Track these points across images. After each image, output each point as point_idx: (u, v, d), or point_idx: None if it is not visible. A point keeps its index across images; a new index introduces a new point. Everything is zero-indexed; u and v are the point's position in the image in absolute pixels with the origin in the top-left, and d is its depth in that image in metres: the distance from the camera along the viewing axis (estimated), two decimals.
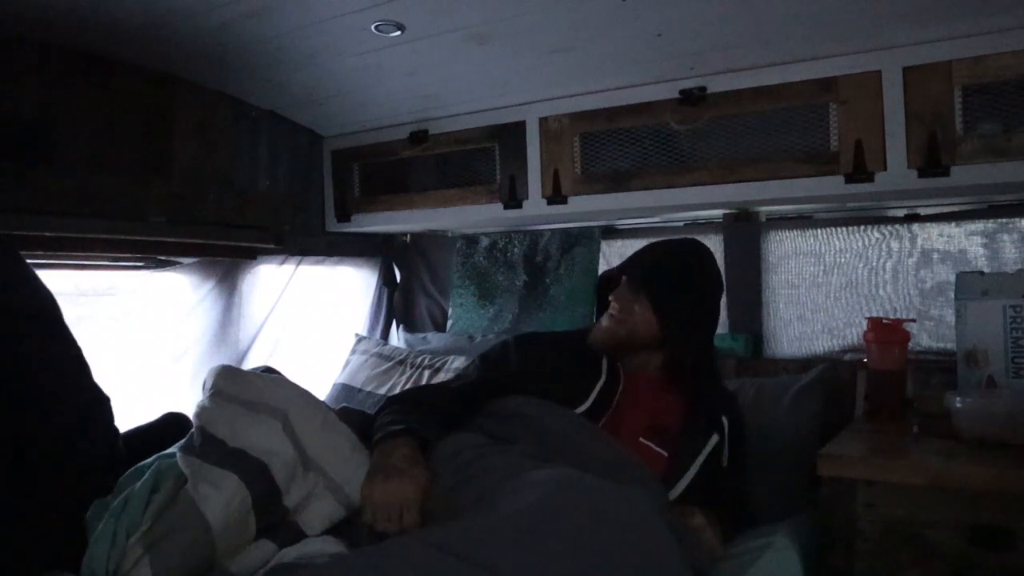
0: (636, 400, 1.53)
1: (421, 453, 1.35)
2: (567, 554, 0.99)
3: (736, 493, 1.55)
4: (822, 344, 2.08)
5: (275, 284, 2.47)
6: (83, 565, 1.10)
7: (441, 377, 2.26)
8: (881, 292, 2.00)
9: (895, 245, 1.99)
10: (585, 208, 2.10)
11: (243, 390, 1.36)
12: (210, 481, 1.20)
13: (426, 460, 1.34)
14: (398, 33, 1.75)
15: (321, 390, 2.49)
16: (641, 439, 1.48)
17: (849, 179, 1.72)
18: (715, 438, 1.50)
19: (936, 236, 1.94)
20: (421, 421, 1.40)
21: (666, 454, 1.47)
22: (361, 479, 1.29)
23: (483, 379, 1.60)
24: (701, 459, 1.47)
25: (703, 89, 1.88)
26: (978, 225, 1.88)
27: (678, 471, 1.44)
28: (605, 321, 1.60)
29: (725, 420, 1.54)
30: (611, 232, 2.43)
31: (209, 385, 1.39)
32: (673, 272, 1.58)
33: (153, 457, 1.28)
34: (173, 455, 1.27)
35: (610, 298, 1.60)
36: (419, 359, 2.43)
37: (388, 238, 2.83)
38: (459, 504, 1.20)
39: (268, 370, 1.55)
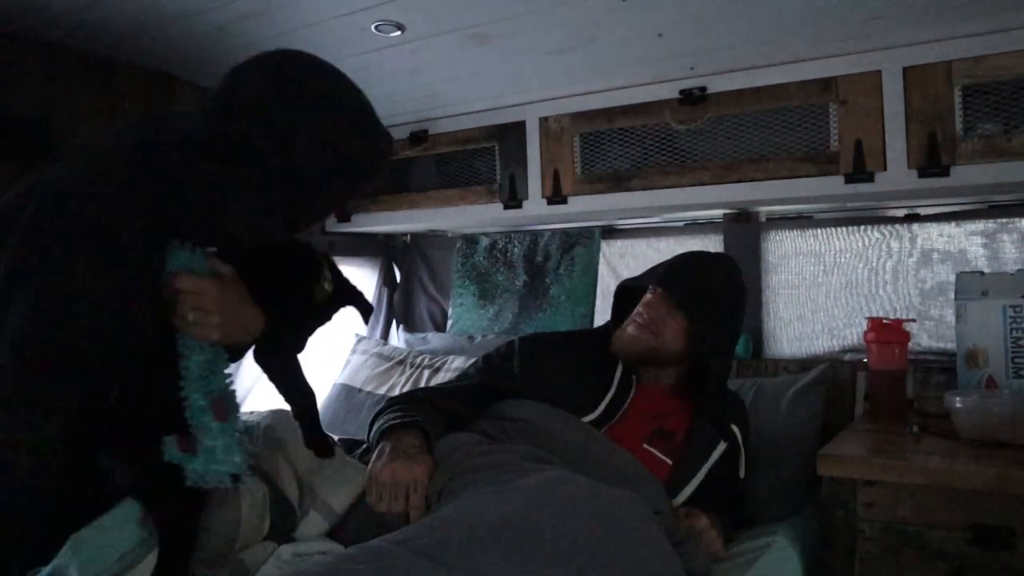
0: (643, 409, 1.52)
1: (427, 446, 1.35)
2: (552, 561, 0.98)
3: (738, 495, 1.54)
4: (822, 344, 2.08)
5: None
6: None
7: (441, 377, 2.26)
8: (881, 292, 2.00)
9: (895, 245, 1.99)
10: (585, 208, 2.10)
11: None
12: None
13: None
14: (398, 33, 1.75)
15: (321, 390, 2.49)
16: (645, 445, 1.47)
17: (849, 179, 1.72)
18: (722, 446, 1.49)
19: (936, 236, 1.94)
20: (424, 418, 1.39)
21: (670, 461, 1.46)
22: (345, 492, 1.31)
23: (484, 382, 1.59)
24: (707, 467, 1.46)
25: (703, 89, 1.88)
26: (978, 225, 1.88)
27: (683, 478, 1.44)
28: (632, 329, 1.54)
29: (737, 430, 1.53)
30: (611, 232, 2.43)
31: None
32: (713, 295, 1.52)
33: None
34: None
35: (640, 308, 1.55)
36: (419, 359, 2.43)
37: (388, 238, 2.83)
38: (449, 501, 1.20)
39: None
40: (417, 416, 1.38)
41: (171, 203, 0.97)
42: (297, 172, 1.01)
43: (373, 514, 1.26)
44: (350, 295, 1.27)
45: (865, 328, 1.77)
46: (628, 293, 1.66)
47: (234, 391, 1.09)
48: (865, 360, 1.78)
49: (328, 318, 1.24)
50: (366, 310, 1.28)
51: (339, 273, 1.26)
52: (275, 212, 1.04)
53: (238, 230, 1.05)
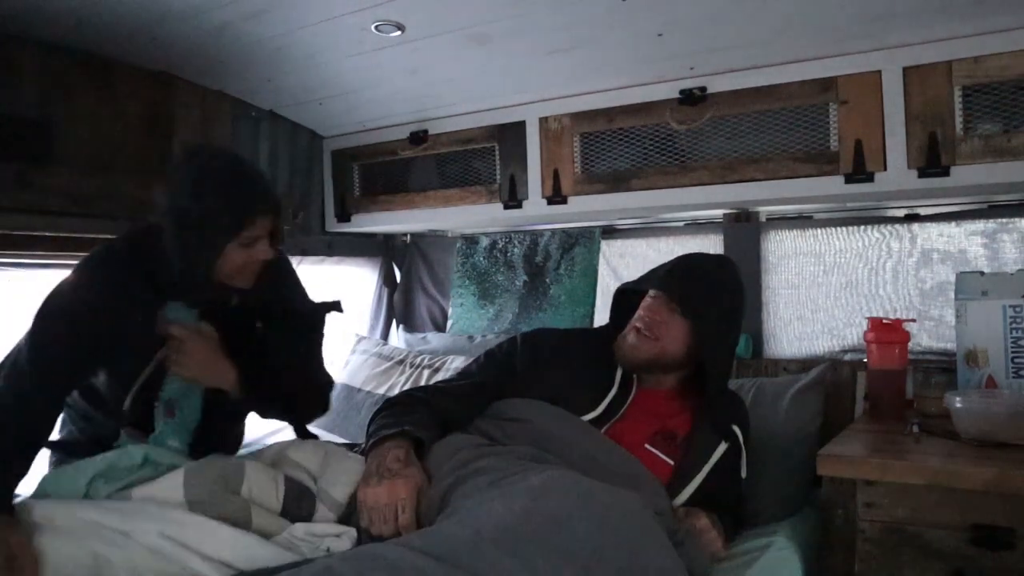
0: (644, 409, 1.52)
1: (415, 454, 1.35)
2: (557, 561, 0.98)
3: (739, 495, 1.54)
4: (822, 344, 2.08)
5: None
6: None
7: (441, 377, 2.26)
8: (881, 292, 2.00)
9: (895, 245, 1.99)
10: (585, 208, 2.10)
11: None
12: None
13: (423, 461, 1.34)
14: (398, 33, 1.75)
15: None
16: (646, 446, 1.47)
17: (849, 179, 1.72)
18: (723, 446, 1.49)
19: (936, 236, 1.94)
20: (415, 423, 1.39)
21: (672, 462, 1.46)
22: (345, 483, 1.32)
23: (486, 380, 1.59)
24: (708, 467, 1.46)
25: (703, 89, 1.88)
26: (978, 225, 1.88)
27: (684, 479, 1.44)
28: (632, 338, 1.52)
29: (738, 430, 1.52)
30: (611, 232, 2.43)
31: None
32: (713, 297, 1.51)
33: None
34: None
35: (640, 312, 1.54)
36: (419, 359, 2.43)
37: (388, 238, 2.83)
38: (453, 505, 1.20)
39: None
40: (405, 423, 1.38)
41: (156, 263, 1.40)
42: (182, 215, 1.34)
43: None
44: (330, 305, 1.63)
45: (865, 328, 1.76)
46: (627, 296, 1.66)
47: (196, 413, 1.43)
48: (865, 360, 1.78)
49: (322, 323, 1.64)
50: (338, 307, 1.65)
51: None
52: (181, 247, 1.36)
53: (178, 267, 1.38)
